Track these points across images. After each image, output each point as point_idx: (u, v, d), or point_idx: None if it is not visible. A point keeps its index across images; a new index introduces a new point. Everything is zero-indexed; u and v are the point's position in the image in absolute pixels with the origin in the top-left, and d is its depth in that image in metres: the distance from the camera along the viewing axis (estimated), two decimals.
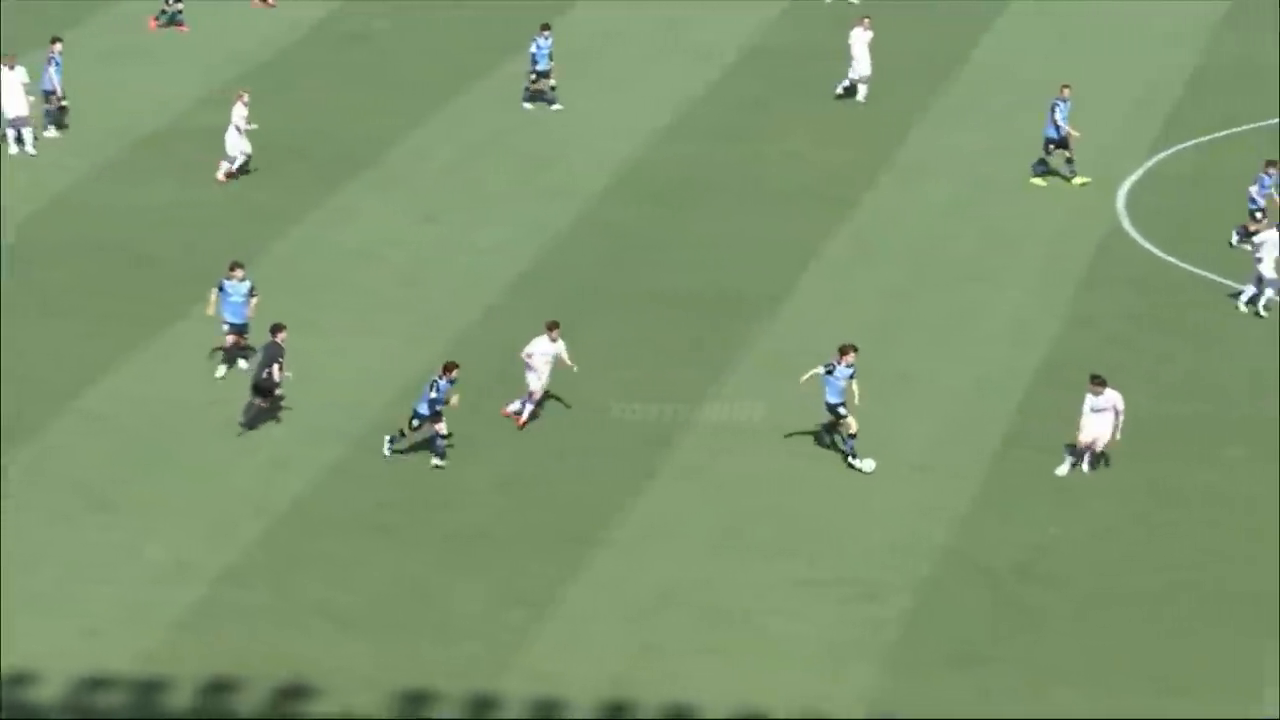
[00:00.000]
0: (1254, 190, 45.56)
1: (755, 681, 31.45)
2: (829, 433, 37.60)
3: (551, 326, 38.48)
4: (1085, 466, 36.93)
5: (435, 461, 37.14)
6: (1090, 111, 50.19)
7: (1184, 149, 51.00)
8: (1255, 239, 43.21)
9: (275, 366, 37.69)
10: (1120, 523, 35.72)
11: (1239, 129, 52.01)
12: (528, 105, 53.09)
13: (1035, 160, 48.87)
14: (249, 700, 30.96)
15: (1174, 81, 54.56)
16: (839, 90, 53.61)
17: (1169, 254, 45.73)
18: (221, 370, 39.92)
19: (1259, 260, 42.66)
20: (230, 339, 39.92)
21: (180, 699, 31.04)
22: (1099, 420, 36.62)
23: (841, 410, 37.02)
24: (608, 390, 39.55)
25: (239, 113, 48.57)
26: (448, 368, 37.15)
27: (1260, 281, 42.68)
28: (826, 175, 49.72)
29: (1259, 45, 57.26)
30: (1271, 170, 45.61)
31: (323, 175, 49.23)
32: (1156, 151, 50.57)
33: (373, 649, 32.18)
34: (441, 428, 37.00)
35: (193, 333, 41.34)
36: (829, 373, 37.02)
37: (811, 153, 50.99)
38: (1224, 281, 44.31)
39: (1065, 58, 56.24)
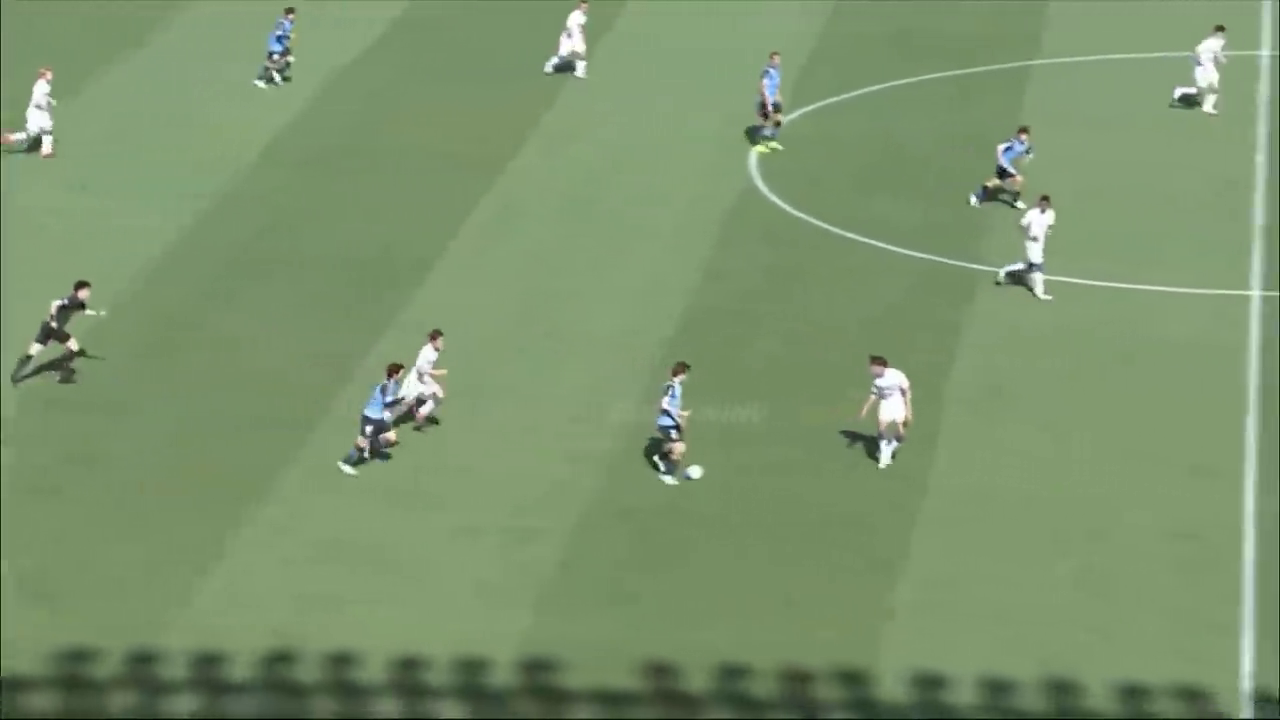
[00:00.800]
0: (1000, 152, 45.06)
1: (414, 628, 30.92)
2: (652, 455, 35.53)
3: (434, 335, 36.47)
4: (888, 454, 35.51)
5: (346, 468, 34.91)
6: (725, 80, 50.47)
7: (807, 113, 51.66)
8: (1022, 222, 41.83)
9: (66, 317, 36.88)
10: (757, 462, 35.86)
11: (853, 94, 52.87)
12: (260, 83, 52.03)
13: (755, 127, 48.78)
14: None
15: (799, 51, 55.18)
16: (549, 68, 53.14)
17: (798, 210, 46.27)
18: None
19: (1033, 240, 41.20)
20: None
21: None
22: (893, 402, 35.39)
23: (675, 434, 34.96)
24: (269, 356, 38.79)
25: (41, 89, 46.76)
26: (391, 370, 35.28)
27: (1031, 265, 41.29)
28: (474, 141, 49.29)
29: (868, 21, 58.16)
30: (1023, 136, 45.42)
31: None
32: (783, 115, 51.05)
33: (32, 610, 30.99)
34: (391, 435, 34.99)
35: None
36: (668, 394, 35.01)
37: (459, 120, 50.53)
38: (848, 235, 44.96)
39: (700, 30, 56.68)
